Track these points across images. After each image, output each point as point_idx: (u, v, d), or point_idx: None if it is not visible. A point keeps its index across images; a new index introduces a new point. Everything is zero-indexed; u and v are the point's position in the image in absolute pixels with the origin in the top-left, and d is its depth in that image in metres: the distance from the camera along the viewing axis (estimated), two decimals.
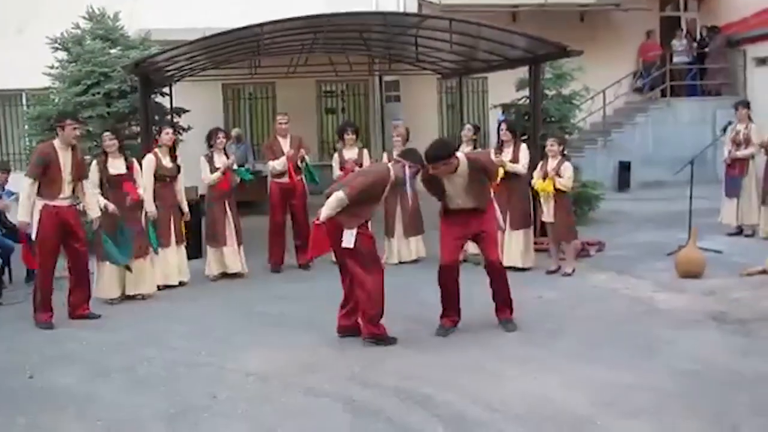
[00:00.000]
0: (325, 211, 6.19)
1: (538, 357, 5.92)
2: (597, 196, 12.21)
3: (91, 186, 7.75)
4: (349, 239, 6.20)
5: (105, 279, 8.08)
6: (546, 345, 6.21)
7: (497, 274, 6.66)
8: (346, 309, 6.54)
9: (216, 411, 5.09)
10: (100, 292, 8.07)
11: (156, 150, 8.72)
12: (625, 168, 16.29)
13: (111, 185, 8.00)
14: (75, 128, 7.43)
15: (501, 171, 8.62)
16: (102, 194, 7.94)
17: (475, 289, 6.71)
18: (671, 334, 6.35)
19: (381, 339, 6.31)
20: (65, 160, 7.31)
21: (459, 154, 6.53)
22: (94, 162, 8.17)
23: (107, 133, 8.18)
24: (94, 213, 7.67)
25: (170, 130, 8.88)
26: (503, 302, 6.70)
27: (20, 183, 7.38)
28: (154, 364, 6.08)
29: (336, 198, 6.16)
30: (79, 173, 7.50)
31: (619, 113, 17.70)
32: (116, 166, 8.06)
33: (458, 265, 6.70)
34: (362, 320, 6.35)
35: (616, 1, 16.90)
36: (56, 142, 7.36)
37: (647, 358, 5.82)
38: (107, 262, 7.98)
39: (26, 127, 12.40)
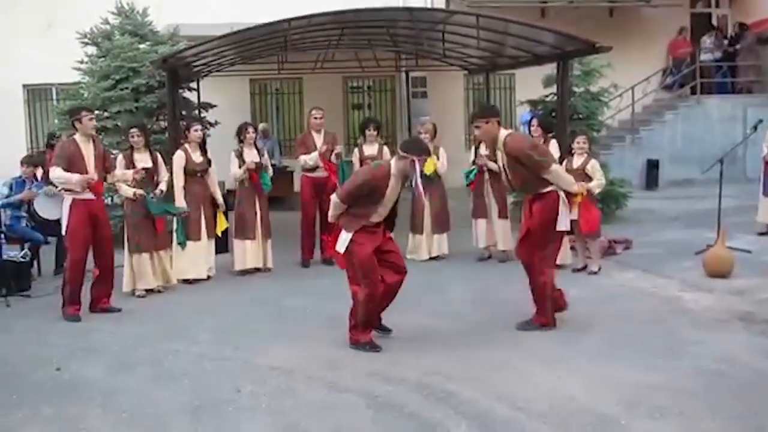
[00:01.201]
0: (330, 214, 6.27)
1: (563, 355, 5.89)
2: (624, 194, 12.12)
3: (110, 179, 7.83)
4: (341, 243, 6.11)
5: (137, 271, 8.15)
6: (571, 343, 6.16)
7: (526, 272, 6.59)
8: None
9: (240, 405, 5.11)
10: (130, 284, 8.16)
11: (186, 146, 8.79)
12: (653, 166, 16.15)
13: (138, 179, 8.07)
14: (91, 119, 7.49)
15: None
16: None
17: (501, 286, 6.67)
18: (697, 334, 6.29)
19: (362, 347, 6.16)
20: (88, 153, 7.37)
21: (502, 131, 6.44)
22: (120, 156, 8.27)
23: (134, 129, 8.27)
24: (126, 192, 8.00)
25: (199, 127, 8.96)
26: (534, 301, 6.62)
27: (51, 176, 7.40)
28: (180, 357, 6.13)
29: (332, 202, 6.21)
30: (105, 166, 7.59)
31: (648, 110, 17.54)
32: (143, 160, 8.15)
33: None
34: (348, 325, 6.26)
35: None
36: (77, 137, 7.42)
37: (673, 358, 5.76)
38: (137, 254, 8.09)
39: (56, 121, 12.54)
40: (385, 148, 9.75)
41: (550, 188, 6.37)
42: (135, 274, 8.16)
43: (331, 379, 5.52)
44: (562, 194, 6.40)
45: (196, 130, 8.84)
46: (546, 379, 5.39)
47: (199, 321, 7.19)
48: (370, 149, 9.63)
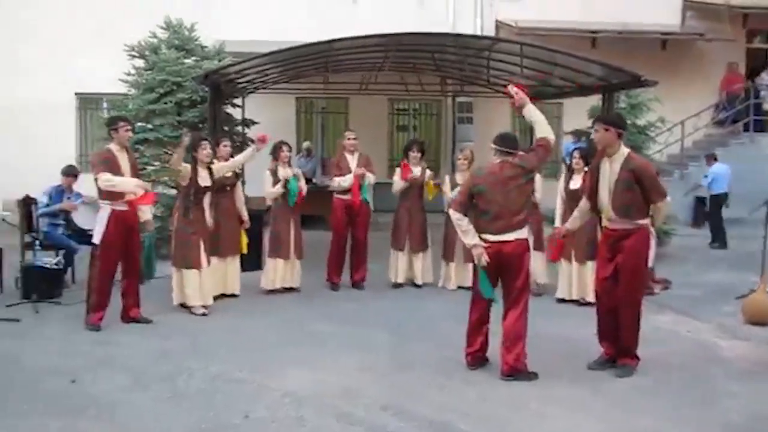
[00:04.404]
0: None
1: (584, 399, 5.67)
2: (668, 231, 11.77)
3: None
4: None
5: (187, 286, 8.06)
6: (594, 387, 5.93)
7: (620, 314, 6.21)
8: (481, 341, 6.31)
9: (245, 431, 5.01)
10: (179, 298, 8.15)
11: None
12: (701, 203, 15.74)
13: (196, 195, 8.03)
14: (128, 129, 7.54)
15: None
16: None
17: (531, 320, 6.36)
18: (730, 385, 6.01)
19: (523, 375, 6.01)
20: (123, 162, 7.42)
21: (623, 146, 6.27)
22: (188, 166, 8.03)
23: (206, 142, 8.25)
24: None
25: (228, 143, 8.98)
26: (620, 346, 6.29)
27: (99, 182, 7.29)
28: (195, 377, 6.05)
29: None
30: (136, 174, 7.64)
31: (698, 146, 17.12)
32: (203, 177, 8.11)
33: (605, 291, 6.28)
34: (507, 356, 6.02)
35: (700, 30, 16.42)
36: (113, 146, 7.46)
37: (701, 409, 5.51)
38: (184, 269, 8.03)
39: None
40: (428, 171, 9.62)
41: (642, 222, 6.17)
42: (185, 290, 8.07)
43: (343, 410, 5.38)
44: (652, 229, 6.33)
45: (225, 146, 8.91)
46: (564, 424, 5.19)
47: (221, 340, 7.13)
48: (413, 171, 9.52)
